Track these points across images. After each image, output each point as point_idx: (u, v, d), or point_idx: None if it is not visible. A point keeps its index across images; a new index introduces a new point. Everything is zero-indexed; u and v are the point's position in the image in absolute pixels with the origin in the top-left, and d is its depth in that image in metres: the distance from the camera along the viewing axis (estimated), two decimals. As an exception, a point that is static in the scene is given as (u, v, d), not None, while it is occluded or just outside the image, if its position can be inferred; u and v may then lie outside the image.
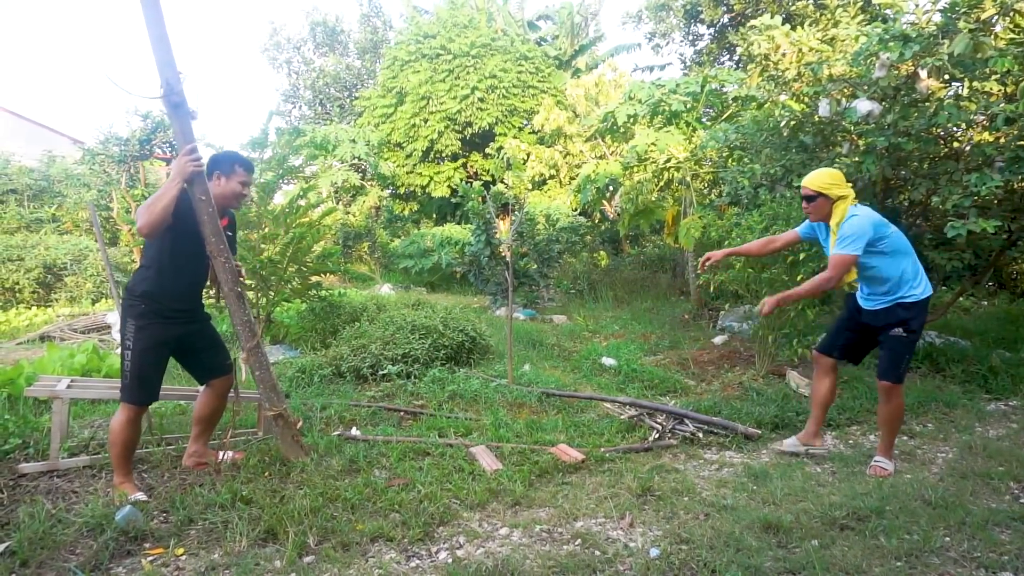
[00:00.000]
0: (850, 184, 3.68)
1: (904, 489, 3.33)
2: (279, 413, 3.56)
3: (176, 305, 3.35)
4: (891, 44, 5.17)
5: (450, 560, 2.70)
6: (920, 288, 3.56)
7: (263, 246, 7.41)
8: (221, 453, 3.70)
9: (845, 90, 5.83)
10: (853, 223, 3.46)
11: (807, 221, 3.86)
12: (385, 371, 5.56)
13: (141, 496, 3.20)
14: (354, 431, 4.31)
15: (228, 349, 3.74)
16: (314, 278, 7.87)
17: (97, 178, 12.58)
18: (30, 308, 10.36)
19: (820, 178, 3.57)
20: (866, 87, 5.57)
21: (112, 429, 3.26)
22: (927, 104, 5.35)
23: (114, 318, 8.20)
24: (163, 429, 4.22)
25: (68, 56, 70.85)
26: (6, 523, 2.94)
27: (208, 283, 3.59)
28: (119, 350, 3.30)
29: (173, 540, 2.81)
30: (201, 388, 3.71)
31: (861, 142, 5.61)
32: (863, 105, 5.40)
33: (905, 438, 4.38)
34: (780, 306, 3.67)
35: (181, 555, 2.71)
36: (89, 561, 2.60)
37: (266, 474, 3.48)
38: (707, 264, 4.12)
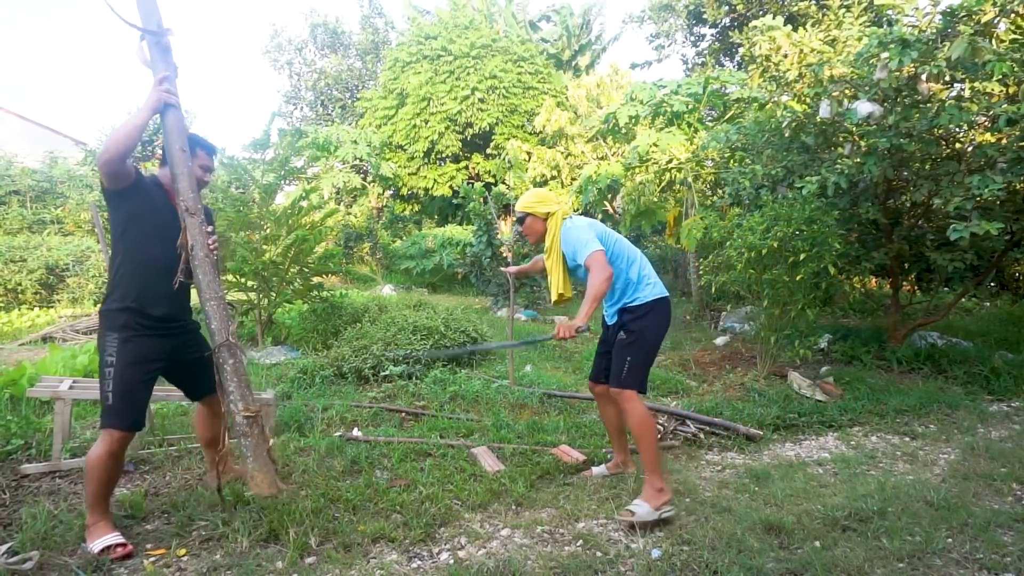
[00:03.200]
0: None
1: (906, 490, 3.32)
2: (255, 415, 2.81)
3: (159, 315, 2.92)
4: (890, 48, 5.16)
5: (451, 561, 2.69)
6: (644, 292, 3.32)
7: (265, 247, 7.44)
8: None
9: (846, 91, 5.82)
10: (571, 232, 3.33)
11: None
12: (387, 372, 5.56)
13: (113, 540, 2.71)
14: (356, 432, 4.31)
15: None
16: (316, 279, 7.90)
17: (97, 178, 12.57)
18: (32, 309, 10.38)
19: (525, 199, 3.47)
20: (867, 88, 5.56)
21: (89, 462, 2.75)
22: (929, 105, 5.35)
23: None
24: (165, 430, 4.23)
25: (69, 56, 70.99)
26: (8, 523, 2.94)
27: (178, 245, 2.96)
28: (103, 370, 2.84)
29: (175, 541, 2.81)
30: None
31: (863, 143, 5.61)
32: (864, 106, 5.39)
33: (907, 439, 4.38)
34: (577, 334, 3.16)
35: (183, 556, 2.71)
36: (91, 562, 2.60)
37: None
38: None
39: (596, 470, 3.68)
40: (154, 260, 2.90)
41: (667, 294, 3.40)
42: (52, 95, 63.72)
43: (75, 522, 2.89)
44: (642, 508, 2.98)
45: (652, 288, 3.36)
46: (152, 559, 2.67)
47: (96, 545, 2.69)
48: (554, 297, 3.52)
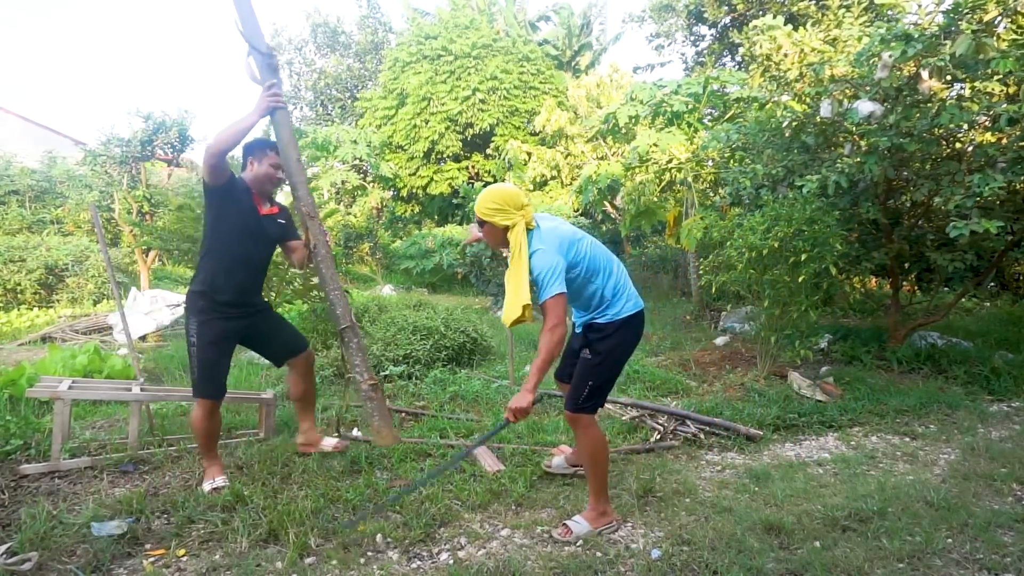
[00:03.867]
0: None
1: (906, 490, 3.32)
2: (376, 383, 3.58)
3: (230, 301, 3.37)
4: (894, 44, 5.16)
5: (451, 561, 2.69)
6: (617, 308, 3.04)
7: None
8: (326, 439, 3.83)
9: (847, 91, 5.82)
10: (539, 261, 2.84)
11: None
12: (387, 372, 5.55)
13: (219, 482, 3.30)
14: (356, 432, 4.31)
15: (295, 329, 3.79)
16: (315, 279, 7.88)
17: (99, 179, 12.59)
18: (32, 309, 10.38)
19: (482, 202, 2.95)
20: (868, 88, 5.55)
21: (192, 424, 3.40)
22: (929, 105, 5.34)
23: (115, 319, 8.22)
24: (164, 430, 4.23)
25: (68, 56, 70.99)
26: (7, 524, 2.94)
27: (303, 247, 3.69)
28: (189, 348, 3.35)
29: (174, 541, 2.81)
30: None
31: (863, 143, 5.60)
32: (865, 106, 5.39)
33: (907, 439, 4.38)
34: (530, 408, 2.84)
35: (182, 556, 2.71)
36: (90, 563, 2.60)
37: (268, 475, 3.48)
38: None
39: (556, 461, 3.65)
40: (233, 254, 3.35)
41: (642, 306, 3.14)
42: (52, 95, 63.73)
43: (75, 522, 2.89)
44: (581, 526, 2.91)
45: (626, 304, 3.06)
46: (152, 559, 2.67)
47: (206, 485, 3.29)
48: (509, 317, 2.89)
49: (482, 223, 3.03)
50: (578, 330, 3.29)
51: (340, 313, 3.44)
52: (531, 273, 2.87)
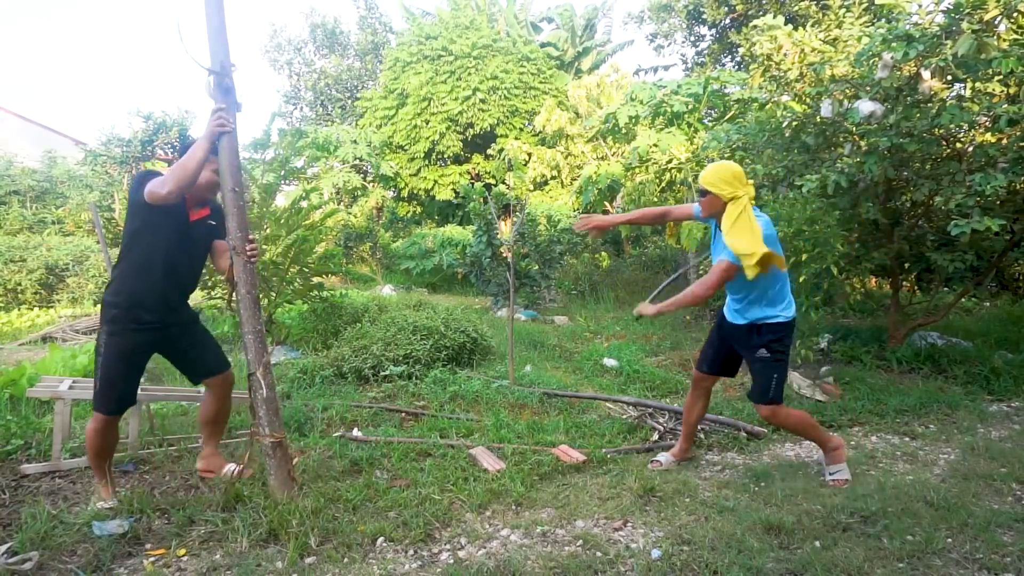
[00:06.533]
0: (751, 181, 3.41)
1: (906, 490, 3.32)
2: (280, 441, 3.15)
3: (147, 313, 3.12)
4: (895, 44, 5.16)
5: (451, 561, 2.69)
6: (791, 309, 3.41)
7: (265, 247, 7.43)
8: (229, 464, 3.51)
9: (847, 91, 5.82)
10: (760, 221, 3.26)
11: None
12: (387, 372, 5.56)
13: (105, 504, 3.08)
14: (355, 432, 4.31)
15: (219, 348, 3.52)
16: (316, 279, 7.89)
17: (99, 179, 12.62)
18: (32, 309, 10.38)
19: (711, 173, 3.28)
20: (868, 88, 5.56)
21: (86, 435, 3.16)
22: (930, 105, 5.34)
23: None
24: (165, 430, 4.23)
25: (68, 56, 70.99)
26: (8, 524, 2.94)
27: (220, 281, 3.42)
28: (96, 357, 3.14)
29: (175, 541, 2.81)
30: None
31: (863, 143, 5.60)
32: (865, 106, 5.39)
33: (907, 439, 4.38)
34: (662, 313, 3.37)
35: (183, 556, 2.72)
36: (91, 562, 2.61)
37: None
38: (587, 227, 3.79)
39: (663, 458, 3.81)
40: (153, 265, 3.11)
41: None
42: (52, 95, 63.72)
43: (75, 522, 2.89)
44: (840, 470, 3.50)
45: (792, 306, 3.42)
46: (152, 559, 2.67)
47: (98, 505, 3.08)
48: (754, 254, 3.09)
49: (705, 193, 3.31)
50: (734, 320, 3.50)
51: (251, 358, 3.11)
52: (738, 232, 3.16)
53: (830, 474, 3.48)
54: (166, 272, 3.14)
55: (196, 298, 9.30)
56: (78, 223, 14.43)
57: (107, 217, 12.82)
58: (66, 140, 20.14)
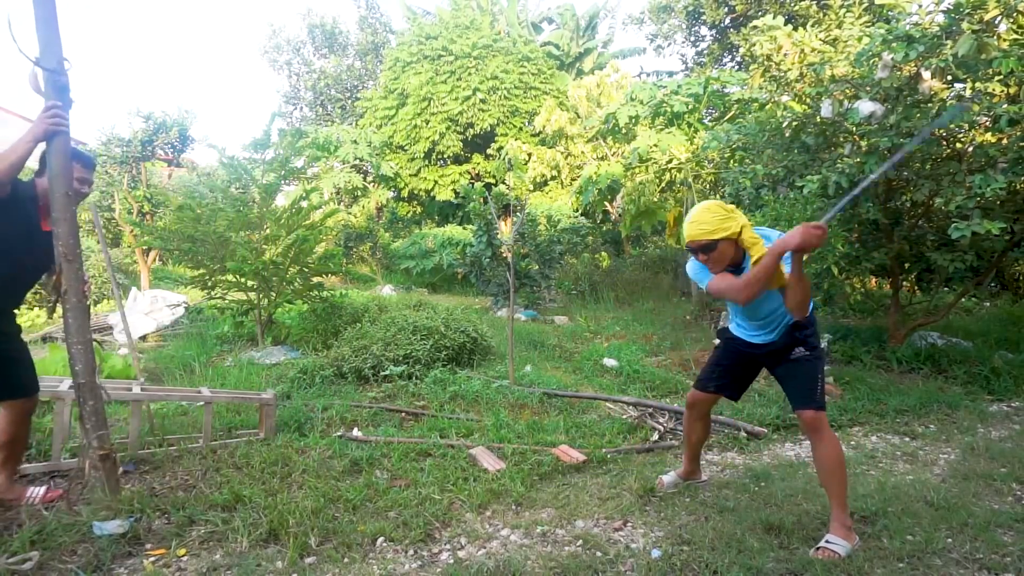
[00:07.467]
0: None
1: (906, 490, 3.32)
2: (108, 454, 3.04)
3: None
4: (895, 45, 5.16)
5: (451, 561, 2.69)
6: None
7: (265, 247, 7.44)
8: (31, 489, 3.24)
9: (847, 91, 5.82)
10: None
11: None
12: (387, 372, 5.56)
13: None
14: (355, 432, 4.31)
15: (33, 369, 3.26)
16: (316, 279, 7.89)
17: (99, 179, 12.60)
18: (32, 309, 10.36)
19: (704, 220, 2.75)
20: (869, 88, 5.56)
21: None
22: (930, 105, 5.35)
23: (116, 319, 8.22)
24: (165, 429, 4.22)
25: (70, 55, 70.87)
26: (8, 525, 2.94)
27: (48, 287, 3.11)
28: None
29: (175, 541, 2.81)
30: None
31: (864, 143, 5.61)
32: (865, 106, 5.39)
33: (907, 439, 4.38)
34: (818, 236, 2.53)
35: (183, 556, 2.71)
36: (91, 562, 2.60)
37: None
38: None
39: (667, 478, 3.47)
40: None
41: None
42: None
43: (75, 522, 2.89)
44: (842, 546, 2.66)
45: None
46: (152, 559, 2.67)
47: None
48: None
49: (711, 247, 2.76)
50: (771, 338, 3.00)
51: (79, 369, 2.97)
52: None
53: (827, 541, 2.69)
54: (10, 280, 2.99)
55: (197, 298, 9.31)
56: (78, 223, 14.44)
57: (107, 217, 12.83)
58: (66, 140, 20.15)
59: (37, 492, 3.21)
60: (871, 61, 5.67)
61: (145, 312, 8.25)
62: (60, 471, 3.58)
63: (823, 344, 6.61)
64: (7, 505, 3.13)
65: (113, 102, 66.74)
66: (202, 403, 4.07)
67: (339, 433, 4.28)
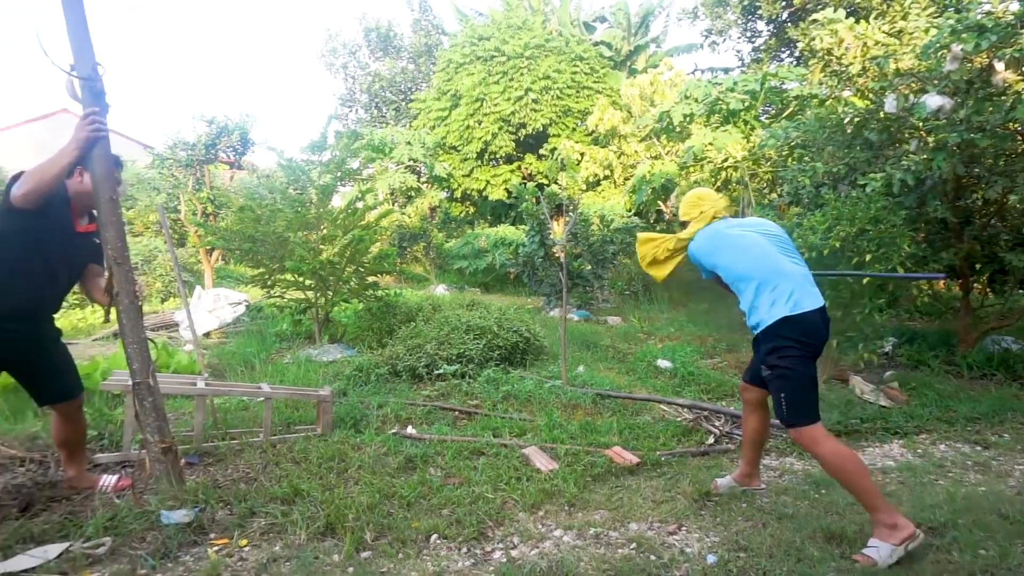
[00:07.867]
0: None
1: (978, 502, 3.18)
2: (169, 446, 3.12)
3: (16, 323, 2.91)
4: (965, 35, 4.94)
5: (504, 560, 2.70)
6: (768, 312, 2.86)
7: (322, 247, 7.61)
8: (104, 477, 3.38)
9: (913, 85, 5.61)
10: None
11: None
12: (440, 371, 5.61)
13: None
14: (410, 429, 4.37)
15: (75, 371, 3.29)
16: (371, 278, 8.03)
17: (166, 182, 13.09)
18: (83, 308, 10.83)
19: (682, 204, 3.46)
20: (936, 81, 5.34)
21: None
22: (1003, 98, 5.10)
23: (182, 316, 8.53)
24: (228, 423, 4.36)
25: (136, 61, 74.08)
26: (81, 511, 3.08)
27: (103, 292, 3.08)
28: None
29: (237, 531, 2.90)
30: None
31: (931, 139, 5.39)
32: (933, 100, 5.18)
33: (979, 448, 4.19)
34: None
35: (244, 546, 2.80)
36: (159, 549, 2.71)
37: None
38: None
39: (721, 482, 3.40)
40: (33, 273, 2.91)
41: (803, 309, 2.82)
42: (123, 101, 66.66)
43: (144, 510, 3.00)
44: (881, 549, 2.57)
45: (776, 306, 2.83)
46: (215, 548, 2.76)
47: None
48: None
49: (684, 225, 3.45)
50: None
51: (136, 368, 3.03)
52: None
53: (866, 546, 2.62)
54: (47, 281, 2.98)
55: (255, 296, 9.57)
56: (146, 224, 15.03)
57: (173, 218, 13.32)
58: (135, 144, 21.01)
59: (109, 481, 3.37)
60: (939, 53, 5.44)
61: (209, 310, 8.54)
62: (130, 460, 3.74)
63: (888, 348, 6.38)
64: (82, 493, 3.29)
65: (179, 107, 69.35)
66: (262, 399, 4.18)
67: (394, 430, 4.34)
